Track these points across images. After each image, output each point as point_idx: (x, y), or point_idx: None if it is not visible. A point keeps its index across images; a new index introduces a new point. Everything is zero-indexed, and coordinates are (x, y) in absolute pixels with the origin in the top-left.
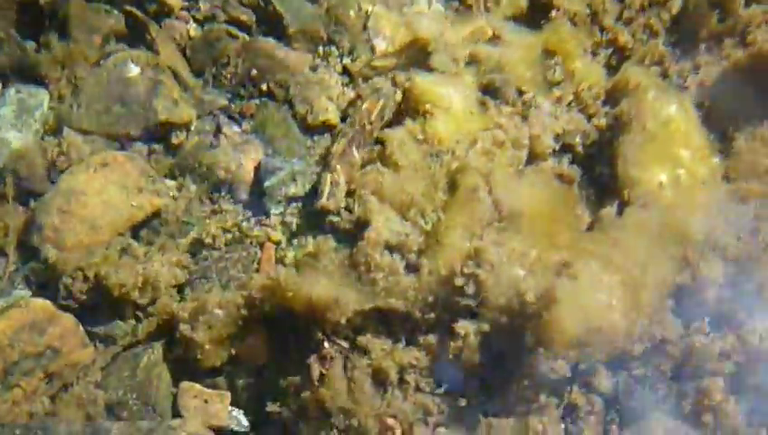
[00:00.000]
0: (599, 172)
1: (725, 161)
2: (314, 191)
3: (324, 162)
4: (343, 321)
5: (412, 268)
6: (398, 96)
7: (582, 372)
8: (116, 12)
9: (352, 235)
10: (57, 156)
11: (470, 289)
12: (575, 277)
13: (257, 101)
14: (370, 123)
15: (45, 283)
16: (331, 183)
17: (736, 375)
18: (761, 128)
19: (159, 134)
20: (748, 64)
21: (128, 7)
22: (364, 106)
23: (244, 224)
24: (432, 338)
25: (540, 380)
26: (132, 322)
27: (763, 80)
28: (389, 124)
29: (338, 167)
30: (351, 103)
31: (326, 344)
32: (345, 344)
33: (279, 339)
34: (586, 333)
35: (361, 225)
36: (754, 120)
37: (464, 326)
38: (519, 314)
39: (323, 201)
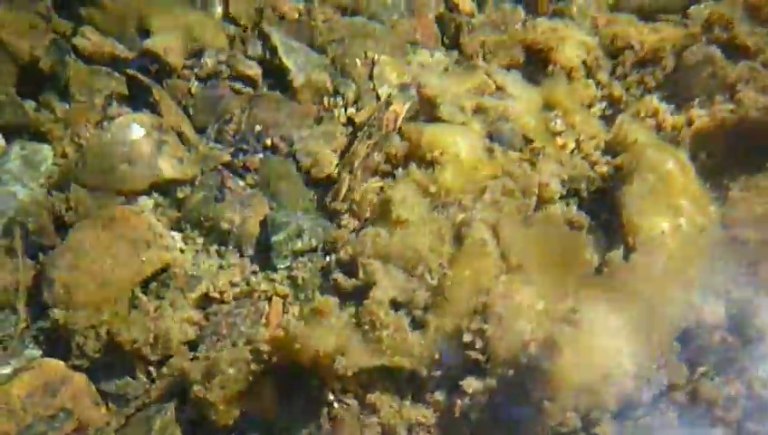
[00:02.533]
0: (604, 218)
1: (722, 209)
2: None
3: (343, 161)
4: (349, 374)
5: (418, 325)
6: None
7: (592, 422)
8: (117, 74)
9: (358, 293)
10: (65, 211)
11: (478, 344)
12: (578, 323)
13: (261, 156)
14: (395, 126)
15: (56, 341)
16: (349, 187)
17: (742, 422)
18: (754, 178)
19: (164, 189)
20: (737, 123)
21: (130, 71)
22: (392, 108)
23: (252, 278)
24: (439, 395)
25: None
26: (144, 379)
27: (752, 136)
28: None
29: (358, 173)
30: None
31: (336, 405)
32: (353, 403)
33: (288, 394)
34: (593, 380)
35: (367, 286)
36: (747, 171)
37: (471, 383)
38: (526, 369)
39: (338, 203)
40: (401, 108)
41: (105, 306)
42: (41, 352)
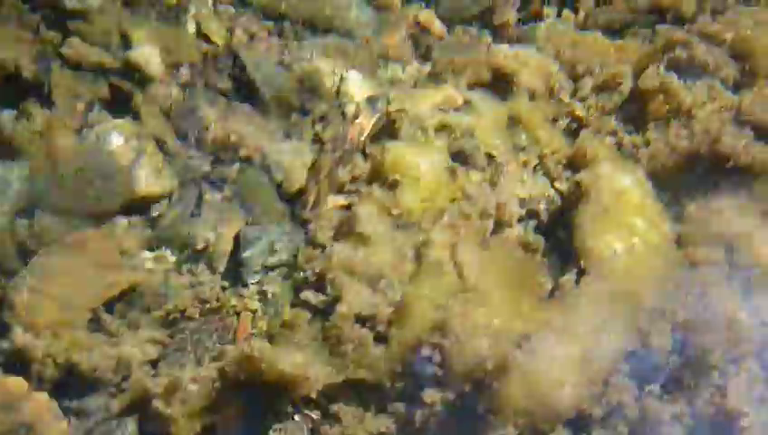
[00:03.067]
0: (561, 238)
1: (677, 229)
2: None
3: (308, 173)
4: (313, 395)
5: (382, 339)
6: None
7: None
8: (102, 79)
9: (326, 308)
10: (29, 238)
11: (435, 358)
12: (532, 351)
13: (238, 166)
14: (361, 141)
15: (16, 363)
16: (315, 200)
17: None
18: (710, 197)
19: (138, 207)
20: (689, 153)
21: (112, 78)
22: (358, 121)
23: (222, 294)
24: (401, 406)
25: None
26: (106, 396)
27: (708, 156)
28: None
29: (324, 185)
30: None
31: (296, 417)
32: (315, 416)
33: (252, 409)
34: (534, 403)
35: (334, 301)
36: (703, 191)
37: (430, 395)
38: (480, 383)
39: (306, 213)
40: (368, 122)
41: (66, 330)
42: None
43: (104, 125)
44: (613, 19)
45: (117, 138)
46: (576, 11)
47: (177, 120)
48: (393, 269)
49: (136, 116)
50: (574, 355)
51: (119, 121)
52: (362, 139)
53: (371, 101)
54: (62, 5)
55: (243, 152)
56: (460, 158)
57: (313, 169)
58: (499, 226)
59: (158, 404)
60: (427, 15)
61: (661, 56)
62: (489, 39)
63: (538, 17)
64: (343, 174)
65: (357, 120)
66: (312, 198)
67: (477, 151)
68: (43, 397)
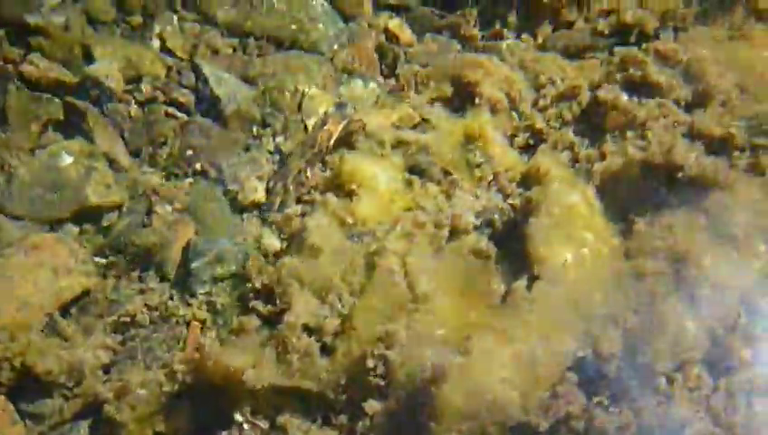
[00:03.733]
0: (514, 249)
1: (626, 242)
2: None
3: (279, 173)
4: (258, 387)
5: (328, 350)
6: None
7: None
8: (57, 100)
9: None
10: None
11: (379, 369)
12: (468, 352)
13: (191, 180)
14: (328, 145)
15: None
16: (282, 202)
17: None
18: (658, 213)
19: (90, 216)
20: (643, 163)
21: (67, 98)
22: (326, 127)
23: (170, 303)
24: (344, 418)
25: None
26: (60, 400)
27: (659, 172)
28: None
29: (290, 187)
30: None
31: (245, 426)
32: (263, 425)
33: (202, 415)
34: (476, 407)
35: (282, 311)
36: (652, 206)
37: (372, 406)
38: (418, 392)
39: (273, 215)
40: (336, 127)
41: (21, 332)
42: None
43: (55, 145)
44: (570, 44)
45: (67, 157)
46: (535, 36)
47: (132, 136)
48: (343, 280)
49: (88, 135)
50: (515, 357)
51: (69, 142)
52: (330, 143)
53: (340, 107)
54: (25, 22)
55: (197, 166)
56: (416, 172)
57: (278, 173)
58: (454, 235)
59: (108, 409)
60: (397, 24)
61: (616, 76)
62: (458, 48)
63: (499, 38)
64: (311, 177)
65: (325, 126)
66: (278, 200)
67: (433, 167)
68: (0, 400)
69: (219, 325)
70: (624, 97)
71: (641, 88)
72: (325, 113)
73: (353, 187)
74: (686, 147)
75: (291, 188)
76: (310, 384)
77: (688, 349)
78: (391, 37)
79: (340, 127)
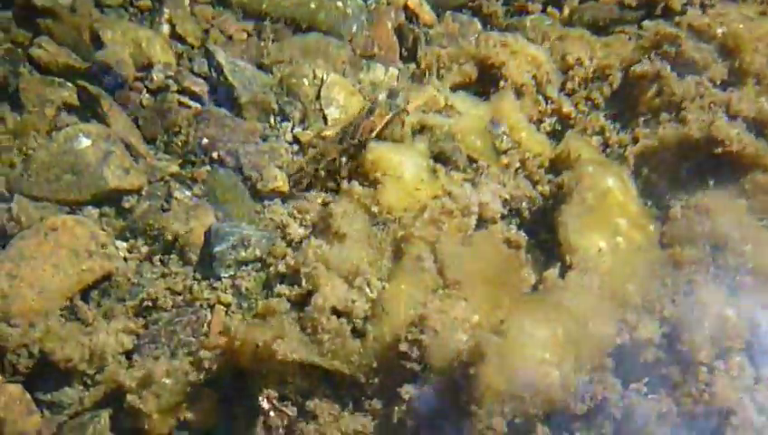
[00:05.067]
0: (543, 238)
1: (662, 228)
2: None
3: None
4: (289, 359)
5: (358, 333)
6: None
7: (521, 428)
8: (69, 84)
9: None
10: (7, 221)
11: (414, 354)
12: (505, 334)
13: (208, 168)
14: (369, 138)
15: None
16: (309, 183)
17: None
18: (694, 197)
19: (110, 199)
20: (680, 142)
21: (80, 81)
22: (372, 118)
23: (195, 287)
24: (377, 403)
25: None
26: (80, 388)
27: (695, 154)
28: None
29: (322, 173)
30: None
31: (271, 414)
32: (291, 412)
33: (227, 403)
34: (517, 388)
35: (310, 293)
36: (688, 191)
37: (408, 390)
38: (457, 376)
39: (296, 192)
40: (381, 120)
41: (41, 317)
42: None
43: (72, 128)
44: (598, 17)
45: (84, 140)
46: (561, 9)
47: (146, 124)
48: (370, 265)
49: (102, 120)
50: (555, 338)
51: (85, 125)
52: (372, 135)
53: (391, 95)
54: (32, 3)
55: (214, 154)
56: (441, 160)
57: (314, 154)
58: (482, 223)
59: (131, 398)
60: (417, 2)
61: (649, 52)
62: (479, 26)
63: (524, 12)
64: (345, 166)
65: (371, 117)
66: (305, 181)
67: (458, 153)
68: (16, 389)
69: (244, 309)
70: (668, 69)
71: (676, 65)
72: (374, 101)
73: (378, 175)
74: (728, 122)
75: (322, 174)
76: (341, 366)
77: (729, 337)
78: (411, 16)
79: (386, 120)
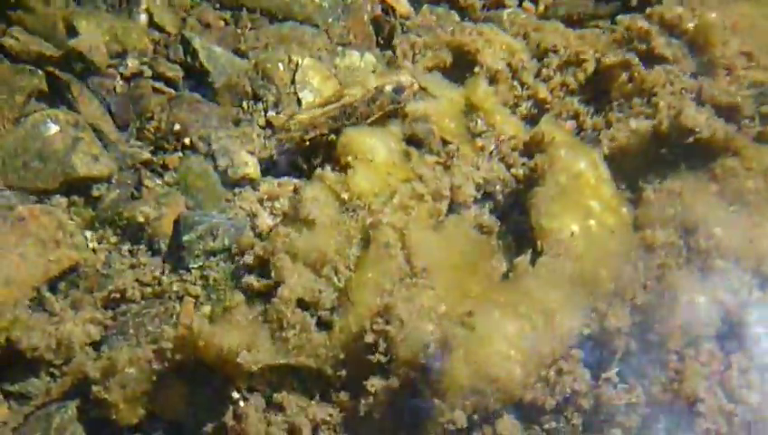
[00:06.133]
0: (516, 222)
1: (634, 211)
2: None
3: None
4: (254, 369)
5: (324, 325)
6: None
7: (482, 421)
8: (40, 72)
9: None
10: None
11: (380, 346)
12: (471, 327)
13: (180, 154)
14: (363, 121)
15: None
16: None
17: (642, 429)
18: (667, 180)
19: (79, 187)
20: (652, 128)
21: (49, 68)
22: (372, 106)
23: (164, 278)
24: (344, 395)
25: (440, 432)
26: (47, 379)
27: (667, 138)
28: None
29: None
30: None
31: (241, 403)
32: (259, 402)
33: (195, 392)
34: (480, 383)
35: (275, 284)
36: (660, 174)
37: (374, 383)
38: (423, 369)
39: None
40: (379, 111)
41: (7, 307)
42: None
43: (38, 114)
44: (573, 11)
45: (52, 126)
46: (536, 3)
47: (118, 110)
48: (338, 254)
49: (72, 107)
50: (522, 333)
51: (54, 111)
52: (367, 121)
53: (397, 90)
54: None
55: (186, 140)
56: (414, 142)
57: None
58: (454, 208)
59: (96, 388)
60: None
61: (620, 48)
62: (457, 19)
63: (500, 5)
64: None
65: (372, 105)
66: (288, 146)
67: (432, 136)
68: None
69: (213, 301)
70: (637, 59)
71: (647, 61)
72: (377, 89)
73: (349, 159)
74: (696, 110)
75: (307, 144)
76: (307, 361)
77: (700, 324)
78: (387, 9)
79: (384, 111)
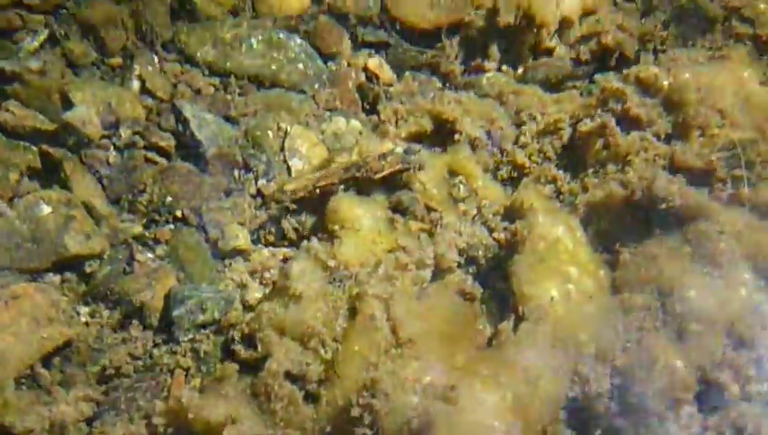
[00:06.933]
0: (499, 287)
1: (612, 274)
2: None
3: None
4: None
5: (311, 398)
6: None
7: None
8: (34, 148)
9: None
10: None
11: (366, 419)
12: (454, 400)
13: (172, 227)
14: (372, 176)
15: None
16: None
17: None
18: (643, 243)
19: (72, 265)
20: (625, 195)
21: (43, 146)
22: (383, 162)
23: (155, 351)
24: None
25: None
26: None
27: (638, 206)
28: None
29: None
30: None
31: None
32: None
33: None
34: None
35: (264, 358)
36: (637, 237)
37: None
38: None
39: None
40: (389, 167)
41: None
42: None
43: (32, 196)
44: (551, 73)
45: (45, 207)
46: (515, 67)
47: (111, 183)
48: (325, 326)
49: (65, 184)
50: (505, 403)
51: (46, 192)
52: (376, 176)
53: (408, 152)
54: (1, 69)
55: (178, 213)
56: (399, 210)
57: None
58: (438, 274)
59: None
60: (376, 63)
61: (596, 109)
62: (438, 85)
63: (480, 71)
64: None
65: (383, 161)
66: (301, 194)
67: (416, 203)
68: None
69: (203, 373)
70: (613, 123)
71: (622, 121)
72: (391, 150)
73: (335, 228)
74: (667, 180)
75: (317, 192)
76: (294, 434)
77: (678, 388)
78: (371, 76)
79: (394, 169)
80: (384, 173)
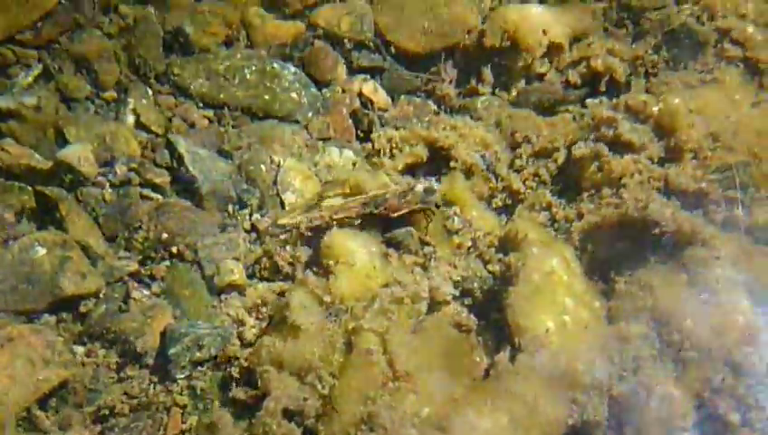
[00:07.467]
0: (494, 318)
1: (607, 303)
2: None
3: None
4: None
5: (310, 433)
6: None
7: None
8: (29, 188)
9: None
10: None
11: None
12: (450, 430)
13: (168, 263)
14: (391, 215)
15: None
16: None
17: None
18: (637, 272)
19: (67, 305)
20: (620, 221)
21: (39, 187)
22: (402, 201)
23: (151, 389)
24: None
25: None
26: None
27: (635, 230)
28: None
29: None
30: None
31: None
32: None
33: None
34: None
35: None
36: (631, 266)
37: None
38: None
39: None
40: (408, 207)
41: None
42: None
43: (27, 238)
44: (543, 98)
45: (40, 249)
46: (508, 90)
47: (107, 221)
48: (322, 360)
49: (61, 225)
50: (499, 424)
51: (41, 234)
52: (394, 215)
53: (427, 192)
54: None
55: (174, 249)
56: (393, 244)
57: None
58: (433, 306)
59: None
60: (371, 88)
61: (588, 135)
62: (434, 108)
63: (474, 94)
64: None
65: (402, 200)
66: (317, 224)
67: (410, 238)
68: None
69: (200, 410)
70: (605, 149)
71: (614, 146)
72: (412, 188)
73: (330, 263)
74: (662, 203)
75: (334, 223)
76: None
77: (675, 416)
78: (366, 101)
79: (412, 208)
80: (403, 212)
